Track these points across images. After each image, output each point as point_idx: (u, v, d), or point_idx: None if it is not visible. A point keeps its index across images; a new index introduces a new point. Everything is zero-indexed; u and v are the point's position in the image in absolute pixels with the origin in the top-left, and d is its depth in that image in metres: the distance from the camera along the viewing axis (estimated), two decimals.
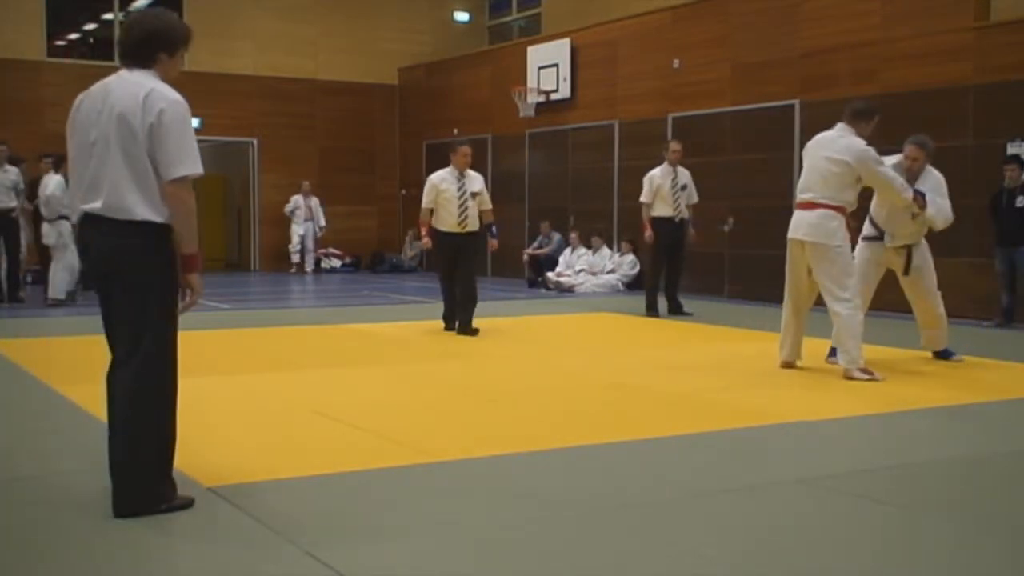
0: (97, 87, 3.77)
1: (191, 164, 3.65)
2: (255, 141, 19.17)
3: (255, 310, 12.28)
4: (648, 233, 11.03)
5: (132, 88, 3.65)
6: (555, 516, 3.79)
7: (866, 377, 6.73)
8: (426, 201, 9.33)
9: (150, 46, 3.76)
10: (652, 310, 11.04)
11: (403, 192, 19.58)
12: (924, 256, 7.56)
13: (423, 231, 9.48)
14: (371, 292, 14.57)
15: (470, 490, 4.14)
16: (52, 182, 11.64)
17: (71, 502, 3.88)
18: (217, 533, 3.58)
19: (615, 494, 4.12)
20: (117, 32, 18.45)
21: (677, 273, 11.26)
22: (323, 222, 18.74)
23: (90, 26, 19.30)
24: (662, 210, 11.00)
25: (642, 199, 11.09)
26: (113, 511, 3.66)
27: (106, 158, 3.63)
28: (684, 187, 11.09)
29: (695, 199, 11.25)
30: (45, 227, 11.72)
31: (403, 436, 5.08)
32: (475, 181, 9.40)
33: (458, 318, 9.31)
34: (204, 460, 4.49)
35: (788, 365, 7.25)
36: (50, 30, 17.79)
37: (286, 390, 6.36)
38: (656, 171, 11.08)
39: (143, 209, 3.62)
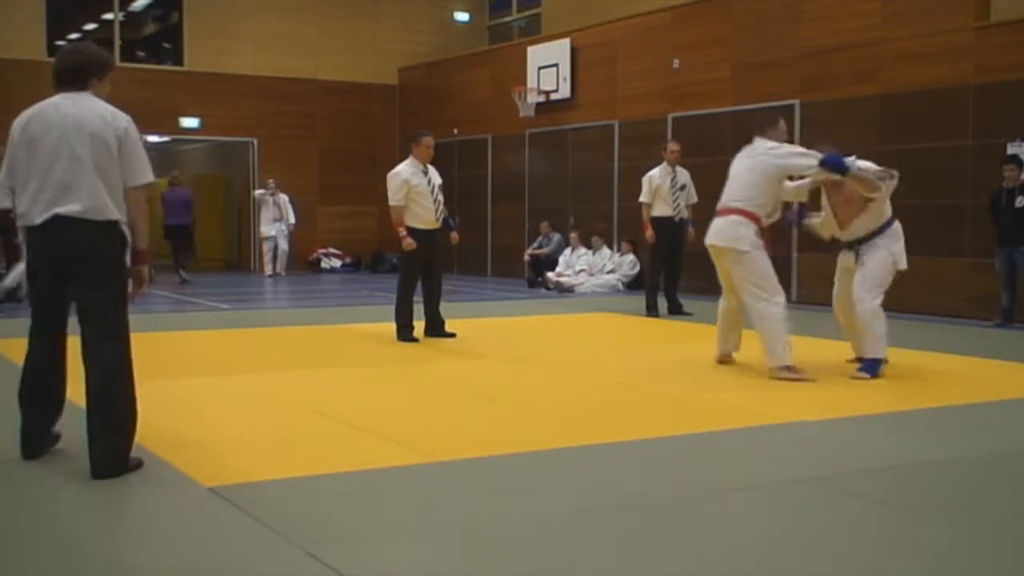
0: (46, 107, 4.29)
1: (149, 173, 4.35)
2: (255, 141, 19.17)
3: (255, 310, 12.28)
4: (649, 233, 11.03)
5: (95, 109, 4.26)
6: (555, 516, 3.79)
7: (793, 376, 6.66)
8: (398, 198, 8.73)
9: (83, 72, 4.33)
10: (652, 310, 11.04)
11: None
12: (866, 257, 7.05)
13: (402, 231, 8.72)
14: (371, 292, 14.57)
15: (470, 490, 4.14)
16: None
17: (69, 502, 3.88)
18: (217, 533, 3.58)
19: (615, 494, 4.12)
20: (117, 32, 18.51)
21: (676, 273, 11.26)
22: (293, 219, 17.71)
23: (90, 26, 19.31)
24: (661, 210, 11.01)
25: (641, 199, 11.09)
26: (95, 474, 4.13)
27: (77, 168, 4.18)
28: (683, 187, 11.09)
29: (694, 199, 11.25)
30: None
31: (403, 436, 5.08)
32: (436, 174, 8.98)
33: (434, 319, 8.98)
34: (204, 460, 4.49)
35: (724, 360, 7.42)
36: (50, 30, 17.78)
37: (286, 390, 6.36)
38: (655, 171, 11.09)
39: (114, 211, 4.24)
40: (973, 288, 10.75)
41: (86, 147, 4.17)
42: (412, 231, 8.75)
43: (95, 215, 4.17)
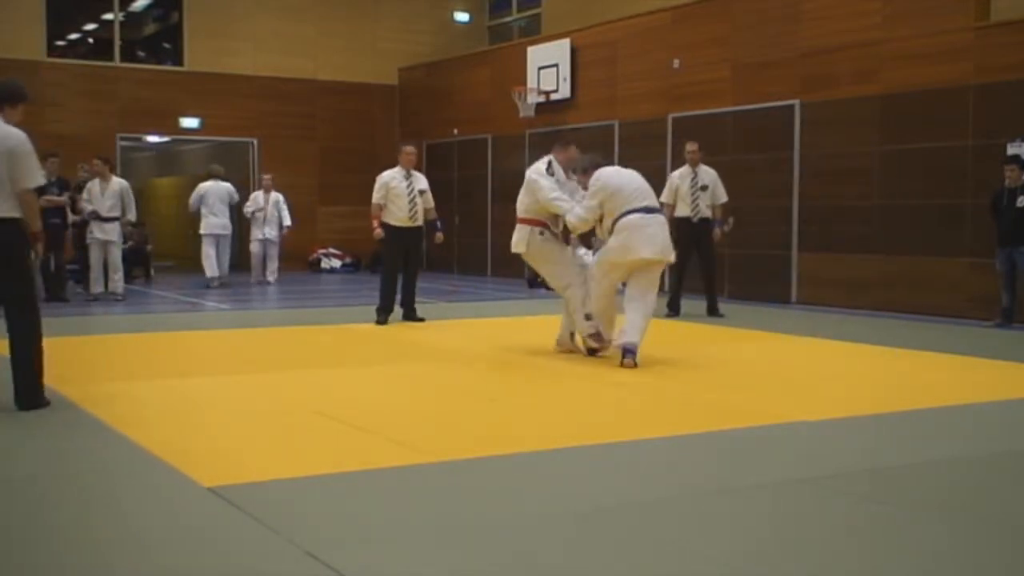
0: None
1: (36, 178, 5.68)
2: (255, 141, 19.17)
3: (255, 310, 12.28)
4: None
5: (6, 133, 5.52)
6: (555, 516, 3.79)
7: (596, 344, 7.71)
8: (377, 196, 10.06)
9: None
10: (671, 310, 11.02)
11: None
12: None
13: (375, 223, 10.13)
14: (371, 292, 14.53)
15: (470, 490, 4.14)
16: (120, 186, 12.80)
17: (68, 502, 3.88)
18: (217, 533, 3.58)
19: (615, 494, 4.12)
20: (117, 32, 18.49)
21: (709, 274, 11.11)
22: (288, 221, 16.13)
23: (90, 26, 19.31)
24: (680, 210, 10.96)
25: (662, 199, 11.03)
26: (19, 406, 5.47)
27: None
28: (704, 187, 10.99)
29: (722, 199, 11.02)
30: (109, 226, 12.55)
31: (403, 436, 5.08)
32: (420, 180, 10.22)
33: (407, 306, 10.16)
34: (204, 460, 4.50)
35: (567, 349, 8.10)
36: (50, 30, 17.77)
37: (286, 390, 6.36)
38: (676, 172, 11.15)
39: (15, 210, 5.53)
40: (973, 288, 10.74)
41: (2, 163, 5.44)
42: (388, 227, 10.02)
43: (12, 213, 5.48)
